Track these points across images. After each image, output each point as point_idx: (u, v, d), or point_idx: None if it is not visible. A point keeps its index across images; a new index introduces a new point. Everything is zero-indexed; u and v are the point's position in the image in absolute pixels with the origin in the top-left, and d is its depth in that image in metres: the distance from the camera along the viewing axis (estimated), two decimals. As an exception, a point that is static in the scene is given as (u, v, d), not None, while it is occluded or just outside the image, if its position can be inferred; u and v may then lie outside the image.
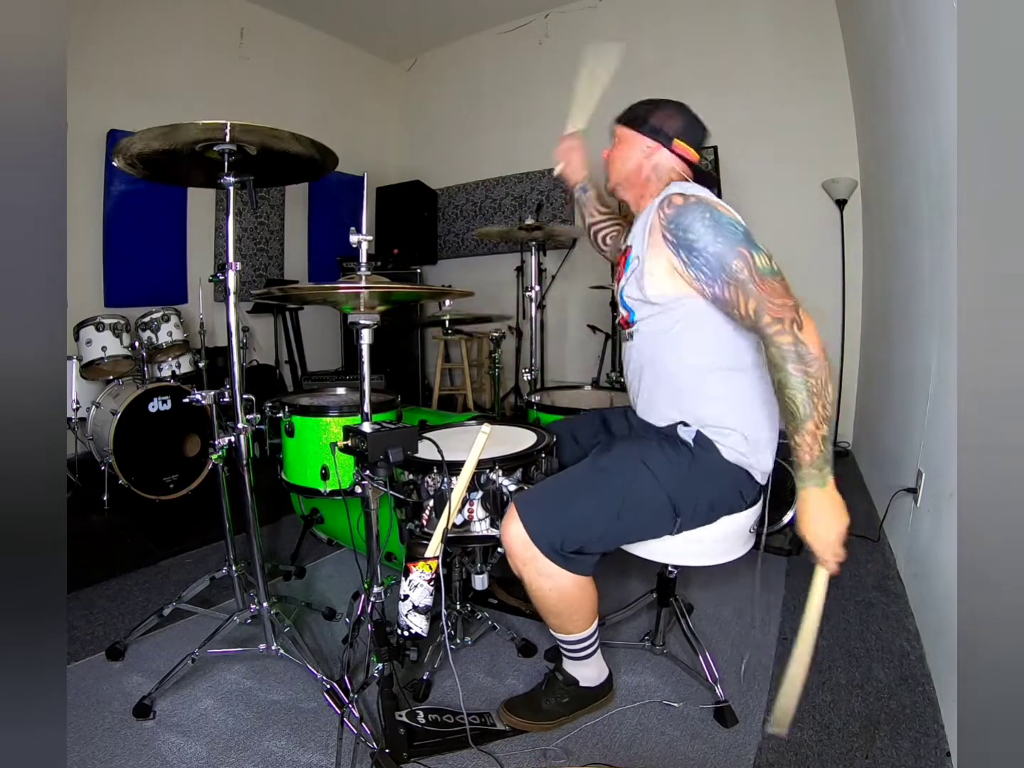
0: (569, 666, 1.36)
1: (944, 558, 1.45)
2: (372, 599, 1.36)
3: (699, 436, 1.25)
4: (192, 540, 2.29)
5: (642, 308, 1.29)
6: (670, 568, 1.47)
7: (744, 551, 1.35)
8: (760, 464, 1.27)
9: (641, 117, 1.33)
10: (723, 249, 1.13)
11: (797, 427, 1.09)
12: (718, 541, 1.30)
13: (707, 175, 1.38)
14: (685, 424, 1.27)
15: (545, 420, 1.87)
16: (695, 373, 1.26)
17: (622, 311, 1.35)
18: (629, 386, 1.43)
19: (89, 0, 3.21)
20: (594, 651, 1.34)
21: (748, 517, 1.31)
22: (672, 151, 1.32)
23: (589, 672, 1.36)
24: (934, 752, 1.22)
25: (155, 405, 2.68)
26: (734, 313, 1.16)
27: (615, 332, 3.84)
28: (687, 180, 1.32)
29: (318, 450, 1.55)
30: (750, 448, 1.24)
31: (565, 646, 1.33)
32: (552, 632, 1.32)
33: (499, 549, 1.38)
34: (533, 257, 2.46)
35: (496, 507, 1.30)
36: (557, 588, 1.21)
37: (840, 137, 3.38)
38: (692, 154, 1.33)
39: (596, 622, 1.31)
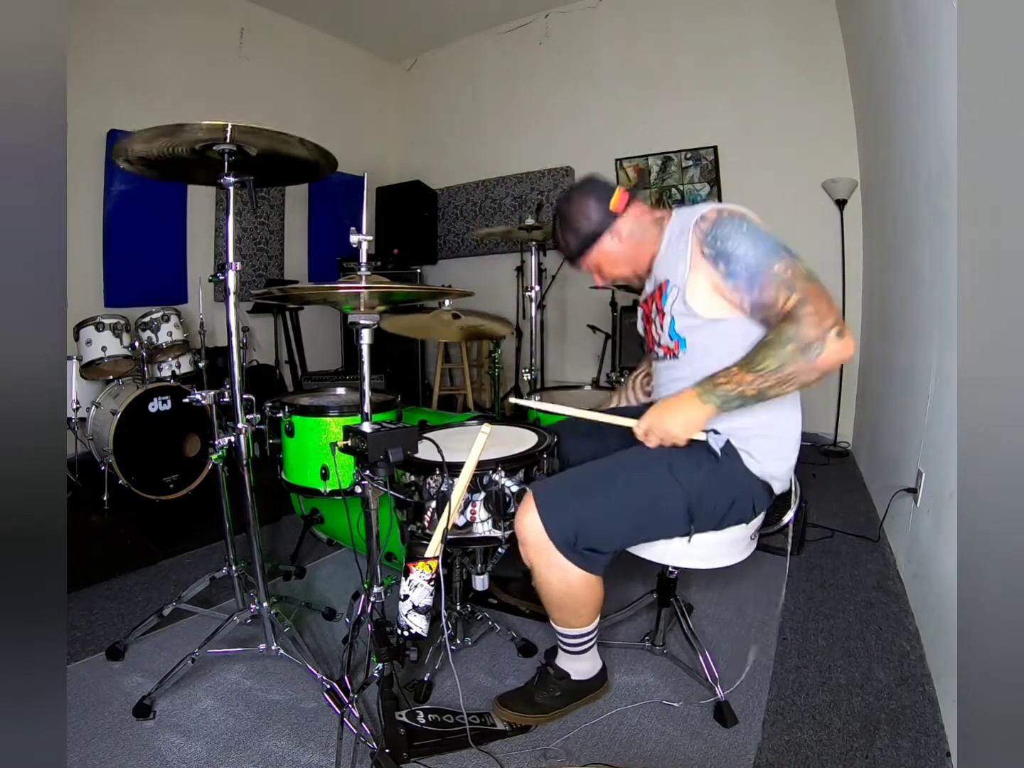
0: (563, 660, 1.37)
1: (944, 558, 1.45)
2: (372, 599, 1.36)
3: (727, 446, 1.25)
4: (192, 540, 2.29)
5: (694, 332, 1.26)
6: (670, 569, 1.47)
7: (744, 556, 1.35)
8: (780, 473, 1.27)
9: (580, 239, 1.33)
10: (764, 253, 1.14)
11: (741, 370, 1.13)
12: (719, 545, 1.30)
13: (638, 185, 1.37)
14: (716, 432, 1.26)
15: (545, 420, 1.87)
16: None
17: (668, 343, 1.31)
18: (660, 396, 1.40)
19: (89, 0, 3.21)
20: (591, 646, 1.35)
21: (753, 524, 1.32)
22: (620, 215, 1.31)
23: (583, 666, 1.37)
24: (934, 752, 1.22)
25: (155, 405, 2.68)
26: (771, 313, 1.14)
27: (615, 332, 3.84)
28: (650, 214, 1.34)
29: (318, 450, 1.55)
30: (776, 453, 1.25)
31: (564, 640, 1.34)
32: (553, 624, 1.33)
33: (500, 550, 1.38)
34: (533, 257, 2.45)
35: (498, 508, 1.30)
36: (566, 582, 1.22)
37: (840, 137, 3.38)
38: (623, 195, 1.32)
39: (598, 619, 1.32)
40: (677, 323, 1.27)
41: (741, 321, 1.22)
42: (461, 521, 1.30)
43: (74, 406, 2.72)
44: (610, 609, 1.71)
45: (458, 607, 1.61)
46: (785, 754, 1.23)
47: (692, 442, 1.23)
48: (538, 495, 1.21)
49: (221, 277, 1.39)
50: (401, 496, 1.32)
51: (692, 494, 1.21)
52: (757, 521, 1.33)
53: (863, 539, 2.24)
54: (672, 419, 1.21)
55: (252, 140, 1.31)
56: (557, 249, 1.40)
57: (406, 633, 1.21)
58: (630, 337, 3.65)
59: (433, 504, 1.29)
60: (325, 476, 1.53)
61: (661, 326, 1.31)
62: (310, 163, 1.46)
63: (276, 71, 4.28)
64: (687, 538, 1.25)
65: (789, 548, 1.37)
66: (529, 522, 1.19)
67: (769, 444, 1.25)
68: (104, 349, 2.68)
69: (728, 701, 1.35)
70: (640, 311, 1.47)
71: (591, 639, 1.34)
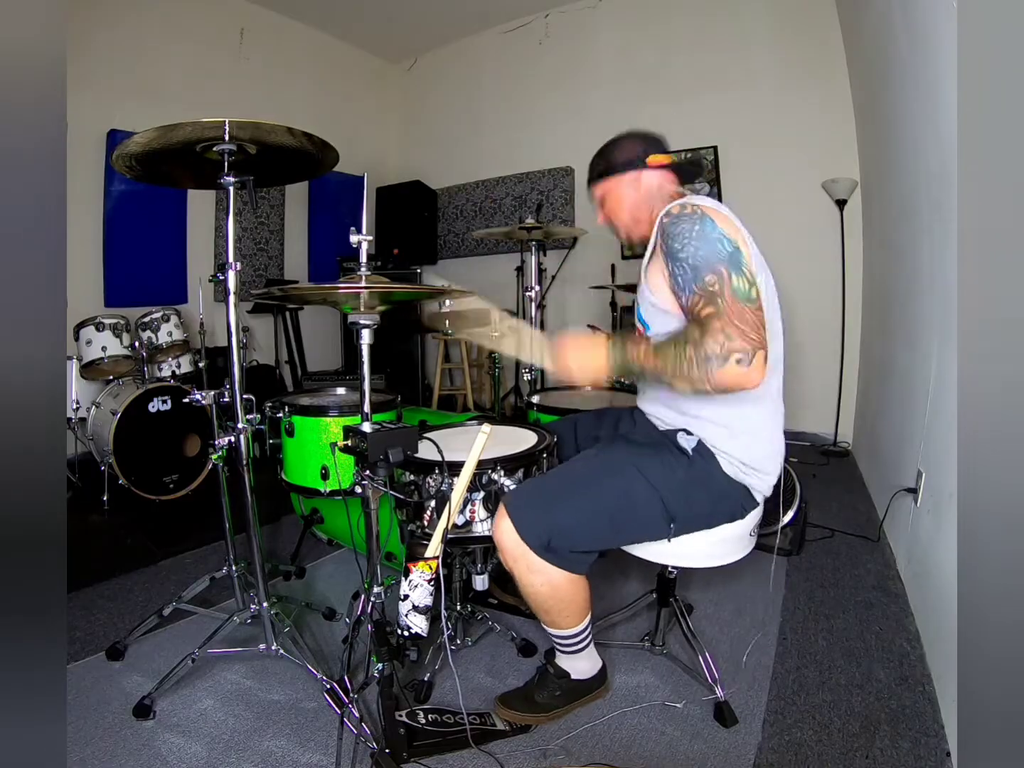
0: (561, 659, 1.37)
1: (944, 558, 1.45)
2: (372, 599, 1.36)
3: (700, 445, 1.25)
4: (192, 540, 2.29)
5: (654, 320, 1.28)
6: (670, 568, 1.47)
7: (744, 553, 1.35)
8: (759, 485, 1.27)
9: (609, 164, 1.36)
10: (704, 261, 1.12)
11: (650, 350, 1.16)
12: (718, 544, 1.30)
13: (690, 165, 1.40)
14: (688, 432, 1.27)
15: (545, 421, 1.87)
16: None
17: (639, 324, 1.35)
18: (639, 387, 1.46)
19: (89, 0, 3.21)
20: (586, 645, 1.35)
21: (749, 522, 1.32)
22: (651, 167, 1.34)
23: (581, 665, 1.37)
24: (934, 752, 1.22)
25: (155, 405, 2.68)
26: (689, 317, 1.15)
27: (615, 332, 3.84)
28: (681, 190, 1.35)
29: (318, 450, 1.55)
30: (749, 470, 1.25)
31: (557, 641, 1.34)
32: (544, 627, 1.33)
33: (499, 549, 1.38)
34: (533, 257, 2.46)
35: (497, 507, 1.30)
36: (548, 584, 1.22)
37: (840, 137, 3.38)
38: (666, 159, 1.35)
39: (588, 617, 1.32)
40: (641, 306, 1.32)
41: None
42: (460, 520, 1.30)
43: (74, 406, 2.72)
44: (610, 609, 1.71)
45: (458, 607, 1.61)
46: (785, 754, 1.23)
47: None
48: (509, 503, 1.22)
49: (221, 277, 1.39)
50: (401, 496, 1.32)
51: (666, 493, 1.21)
52: (754, 517, 1.32)
53: (863, 539, 2.24)
54: (574, 356, 1.24)
55: (250, 134, 1.30)
56: (589, 169, 1.42)
57: (406, 633, 1.21)
58: (630, 337, 3.64)
59: (433, 503, 1.29)
60: (325, 476, 1.53)
61: (637, 304, 1.36)
62: (310, 157, 1.45)
63: (276, 71, 4.28)
64: (669, 540, 1.25)
65: (772, 545, 1.36)
66: (504, 528, 1.20)
67: (732, 461, 1.25)
68: (104, 349, 2.68)
69: (728, 701, 1.35)
70: None
71: (585, 638, 1.34)
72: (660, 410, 1.36)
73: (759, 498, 1.29)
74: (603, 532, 1.24)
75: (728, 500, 1.26)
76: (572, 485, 1.23)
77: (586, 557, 1.23)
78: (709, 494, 1.24)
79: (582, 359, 1.23)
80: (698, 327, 1.10)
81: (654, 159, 1.34)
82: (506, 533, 1.19)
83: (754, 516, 1.32)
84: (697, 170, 1.40)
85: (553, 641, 1.36)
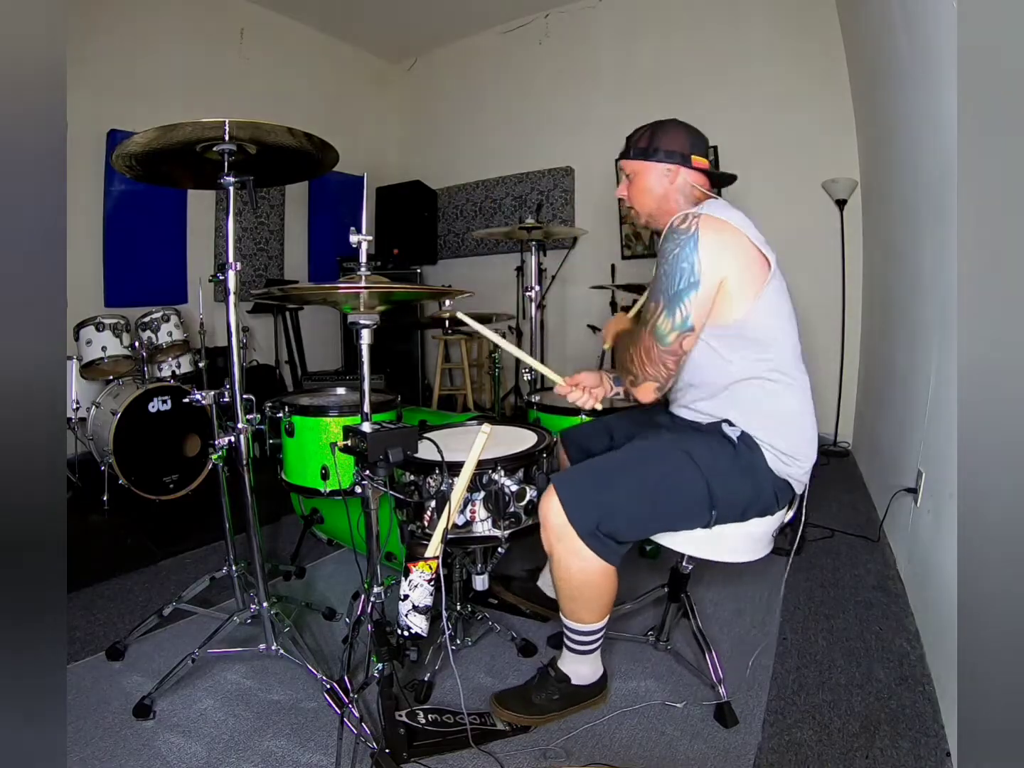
0: (565, 662, 1.37)
1: (944, 558, 1.45)
2: (372, 599, 1.36)
3: (744, 435, 1.27)
4: (192, 540, 2.29)
5: None
6: (684, 563, 1.46)
7: (765, 552, 1.35)
8: (798, 475, 1.29)
9: (650, 146, 1.34)
10: (660, 285, 1.23)
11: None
12: (744, 538, 1.30)
13: (724, 177, 1.41)
14: (730, 423, 1.29)
15: (545, 420, 1.87)
16: (732, 384, 1.27)
17: None
18: (669, 397, 1.46)
19: (89, 0, 3.21)
20: (596, 647, 1.35)
21: (776, 519, 1.33)
22: (688, 167, 1.33)
23: (584, 670, 1.36)
24: (934, 752, 1.22)
25: (155, 405, 2.68)
26: None
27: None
28: (709, 193, 1.35)
29: (318, 450, 1.55)
30: (789, 459, 1.27)
31: (570, 635, 1.33)
32: (563, 617, 1.32)
33: (500, 549, 1.38)
34: (533, 257, 2.46)
35: (498, 507, 1.30)
36: (584, 571, 1.22)
37: (840, 137, 3.38)
38: (705, 164, 1.35)
39: (607, 619, 1.32)
40: None
41: (727, 325, 1.24)
42: (460, 520, 1.30)
43: (74, 406, 2.72)
44: (617, 600, 1.71)
45: (458, 607, 1.61)
46: (785, 754, 1.23)
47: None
48: (559, 483, 1.23)
49: (221, 277, 1.39)
50: (401, 496, 1.32)
51: (712, 477, 1.22)
52: (780, 515, 1.33)
53: (863, 539, 2.24)
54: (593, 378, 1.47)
55: (250, 134, 1.31)
56: (627, 141, 1.41)
57: (406, 633, 1.21)
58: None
59: (433, 504, 1.29)
60: (325, 476, 1.53)
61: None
62: (310, 158, 1.45)
63: (276, 71, 4.28)
64: (708, 528, 1.26)
65: (793, 549, 1.37)
66: (552, 509, 1.21)
67: (771, 454, 1.27)
68: (104, 349, 2.68)
69: (729, 701, 1.35)
70: None
71: (597, 639, 1.33)
72: (697, 410, 1.36)
73: (798, 488, 1.31)
74: (647, 516, 1.25)
75: (767, 491, 1.27)
76: (622, 466, 1.25)
77: (622, 547, 1.24)
78: (751, 484, 1.26)
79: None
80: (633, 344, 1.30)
81: (696, 160, 1.34)
82: (554, 513, 1.20)
83: (781, 514, 1.33)
84: (732, 181, 1.41)
85: (566, 636, 1.34)
